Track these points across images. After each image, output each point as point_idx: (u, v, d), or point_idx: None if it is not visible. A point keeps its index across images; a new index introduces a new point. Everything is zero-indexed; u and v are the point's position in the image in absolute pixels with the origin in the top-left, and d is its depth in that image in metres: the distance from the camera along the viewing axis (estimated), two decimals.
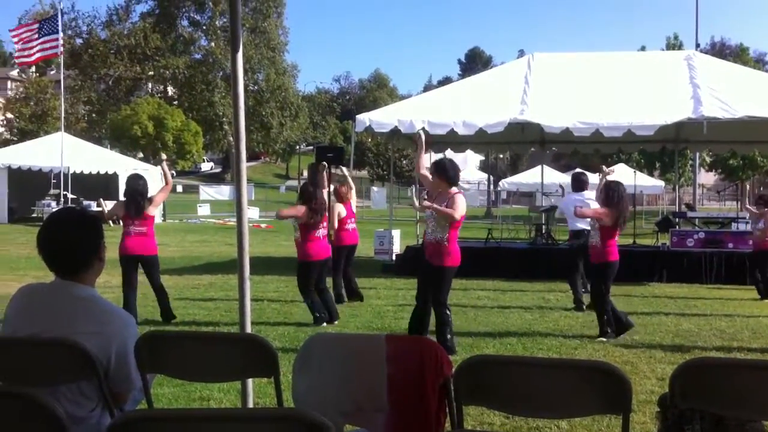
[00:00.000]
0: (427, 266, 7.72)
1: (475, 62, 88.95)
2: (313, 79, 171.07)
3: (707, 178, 55.30)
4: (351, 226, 11.13)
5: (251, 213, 35.32)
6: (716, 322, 9.91)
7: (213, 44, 59.93)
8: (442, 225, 7.55)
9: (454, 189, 7.69)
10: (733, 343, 8.48)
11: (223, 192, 50.68)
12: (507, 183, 38.38)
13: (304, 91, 74.51)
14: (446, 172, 7.66)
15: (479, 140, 17.24)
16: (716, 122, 13.93)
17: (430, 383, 3.08)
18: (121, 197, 10.18)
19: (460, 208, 7.53)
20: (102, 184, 28.94)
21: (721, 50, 64.35)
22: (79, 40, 58.82)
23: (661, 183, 40.49)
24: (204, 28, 62.24)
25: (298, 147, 70.87)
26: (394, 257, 16.26)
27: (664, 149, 24.22)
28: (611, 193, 8.62)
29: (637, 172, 27.17)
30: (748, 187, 50.40)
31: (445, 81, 75.81)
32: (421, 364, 3.10)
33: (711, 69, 16.59)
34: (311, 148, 61.02)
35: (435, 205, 7.56)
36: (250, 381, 4.55)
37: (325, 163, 10.39)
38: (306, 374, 3.22)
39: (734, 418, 3.26)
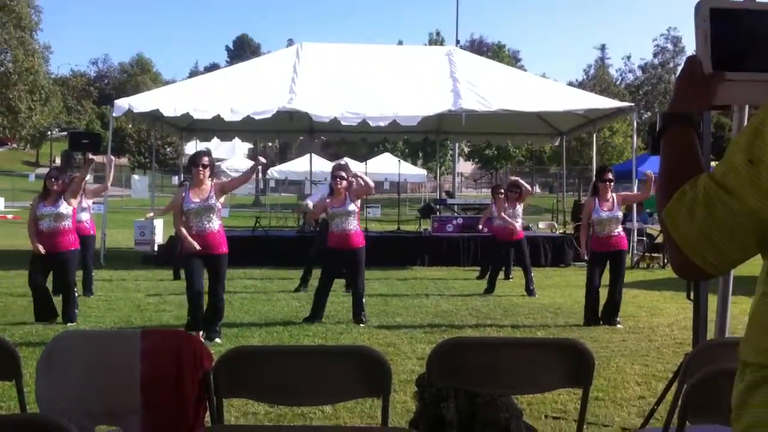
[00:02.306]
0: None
1: (243, 49, 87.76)
2: (67, 61, 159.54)
3: (465, 167, 58.64)
4: None
5: None
6: (472, 302, 10.47)
7: None
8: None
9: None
10: (487, 320, 8.99)
11: None
12: (276, 171, 38.22)
13: (57, 74, 69.60)
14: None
15: (247, 128, 17.05)
16: (474, 114, 14.72)
17: (188, 378, 2.98)
18: None
19: None
20: None
21: (479, 47, 68.55)
22: None
23: (424, 172, 42.42)
24: None
25: (49, 133, 66.12)
26: (156, 248, 15.61)
27: (427, 139, 25.37)
28: None
29: (402, 161, 28.20)
30: (501, 175, 53.98)
31: (213, 67, 74.23)
32: (178, 359, 2.98)
33: (469, 65, 17.55)
34: (65, 133, 57.18)
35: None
36: None
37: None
38: (51, 376, 2.96)
39: (486, 393, 3.38)
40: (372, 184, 8.96)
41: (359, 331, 8.13)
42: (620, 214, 8.85)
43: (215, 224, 7.54)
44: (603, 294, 8.85)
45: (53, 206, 8.47)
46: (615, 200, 8.80)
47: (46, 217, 8.46)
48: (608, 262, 8.81)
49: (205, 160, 7.59)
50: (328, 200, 8.78)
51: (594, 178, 9.24)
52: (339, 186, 8.71)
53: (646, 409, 4.72)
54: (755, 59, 1.49)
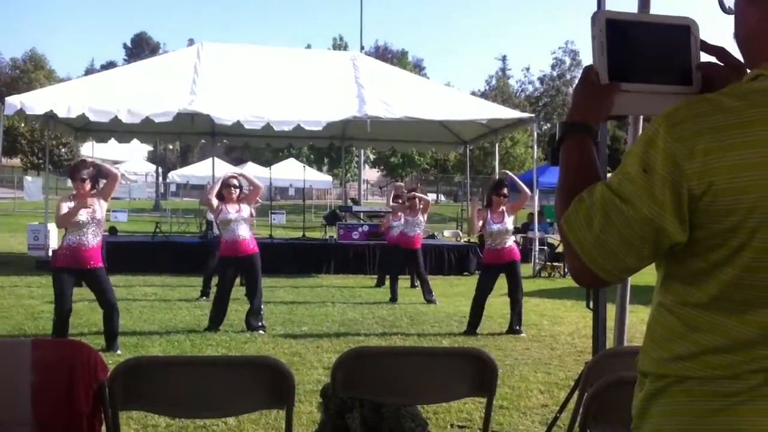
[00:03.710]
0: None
1: (142, 48, 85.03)
2: None
3: (371, 174, 58.81)
4: None
5: None
6: (378, 310, 10.47)
7: None
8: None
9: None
10: (393, 329, 9.00)
11: None
12: (177, 175, 37.33)
13: None
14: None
15: (146, 129, 16.58)
16: (378, 121, 14.76)
17: (82, 390, 2.88)
18: None
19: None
20: None
21: (384, 54, 68.97)
22: None
23: (330, 178, 42.31)
24: None
25: None
26: (50, 253, 14.99)
27: (332, 145, 25.36)
28: None
29: (307, 167, 28.07)
30: (407, 183, 54.47)
31: (109, 65, 71.92)
32: (71, 370, 2.88)
33: (374, 71, 17.60)
34: None
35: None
36: None
37: None
38: None
39: (392, 403, 3.36)
40: (260, 184, 9.23)
41: (264, 341, 8.00)
42: (510, 226, 8.97)
43: (96, 239, 7.20)
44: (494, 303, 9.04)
45: None
46: (505, 212, 8.93)
47: None
48: (503, 273, 8.95)
49: (85, 173, 7.14)
50: (222, 206, 8.64)
51: (489, 190, 9.32)
52: (232, 195, 8.65)
53: (550, 417, 4.80)
54: (650, 71, 1.52)
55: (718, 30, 1.71)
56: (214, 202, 8.62)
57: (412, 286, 12.89)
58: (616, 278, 1.37)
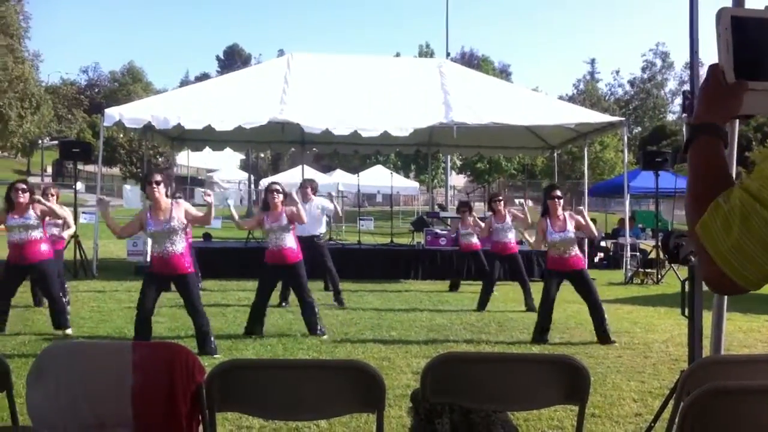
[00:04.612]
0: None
1: (234, 59, 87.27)
2: (57, 69, 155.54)
3: (458, 180, 58.58)
4: None
5: None
6: (467, 316, 10.43)
7: None
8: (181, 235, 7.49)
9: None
10: (482, 336, 8.95)
11: None
12: (268, 182, 38.15)
13: (47, 82, 69.16)
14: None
15: (238, 138, 17.03)
16: (465, 127, 14.72)
17: (180, 391, 2.95)
18: None
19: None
20: None
21: (469, 60, 68.82)
22: None
23: (416, 184, 42.37)
24: None
25: (40, 141, 65.74)
26: (148, 258, 15.52)
27: (419, 152, 25.39)
28: None
29: (394, 174, 28.20)
30: (493, 189, 54.04)
31: (203, 77, 74.02)
32: (170, 372, 2.95)
33: (460, 77, 17.60)
34: (56, 142, 56.84)
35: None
36: None
37: None
38: (42, 387, 2.93)
39: (482, 409, 3.35)
40: (305, 220, 8.87)
41: (353, 345, 8.09)
42: (573, 234, 8.65)
43: (179, 246, 7.34)
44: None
45: (22, 218, 8.31)
46: (567, 219, 8.70)
47: (15, 229, 8.32)
48: (570, 283, 8.72)
49: (158, 177, 7.37)
50: (264, 215, 8.75)
51: (543, 197, 9.14)
52: (275, 200, 8.69)
53: (643, 427, 4.71)
54: None
55: None
56: (251, 223, 8.86)
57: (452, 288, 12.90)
58: (755, 285, 1.34)
